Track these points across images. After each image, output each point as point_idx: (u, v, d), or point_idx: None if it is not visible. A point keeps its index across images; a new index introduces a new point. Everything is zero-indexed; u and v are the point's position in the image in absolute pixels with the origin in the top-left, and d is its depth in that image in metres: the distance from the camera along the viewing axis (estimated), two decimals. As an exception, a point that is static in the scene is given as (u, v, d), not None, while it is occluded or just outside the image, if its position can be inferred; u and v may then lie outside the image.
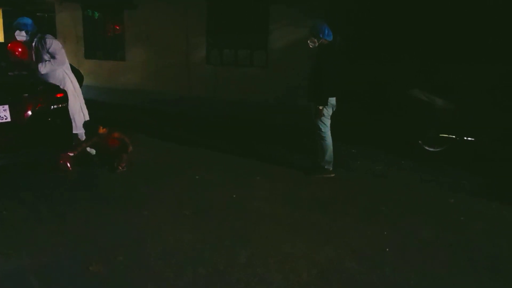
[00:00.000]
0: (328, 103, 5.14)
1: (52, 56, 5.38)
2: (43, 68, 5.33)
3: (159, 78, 10.47)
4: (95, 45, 11.79)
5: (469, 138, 6.06)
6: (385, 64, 7.77)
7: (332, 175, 5.30)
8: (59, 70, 5.48)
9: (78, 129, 5.65)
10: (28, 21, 5.43)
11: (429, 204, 4.52)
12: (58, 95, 4.90)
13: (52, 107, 4.75)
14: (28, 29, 5.42)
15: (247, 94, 8.96)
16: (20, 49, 5.26)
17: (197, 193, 4.70)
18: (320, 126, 5.24)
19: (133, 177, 5.16)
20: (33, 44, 5.43)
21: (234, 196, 4.63)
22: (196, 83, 9.85)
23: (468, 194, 4.81)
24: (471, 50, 7.02)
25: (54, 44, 5.41)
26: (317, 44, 5.16)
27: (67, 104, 4.98)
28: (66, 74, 5.56)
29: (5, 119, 4.35)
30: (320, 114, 5.17)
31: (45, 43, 5.37)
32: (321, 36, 5.10)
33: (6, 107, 4.35)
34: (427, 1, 7.44)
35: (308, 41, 5.21)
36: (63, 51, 5.49)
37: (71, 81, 5.60)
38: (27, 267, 3.13)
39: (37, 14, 14.02)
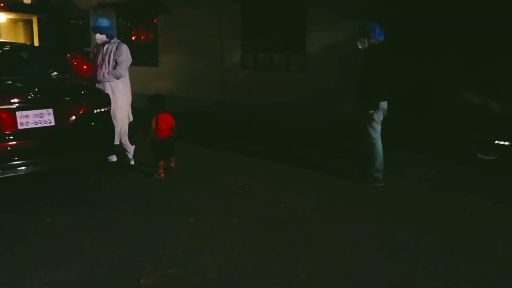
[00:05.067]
0: (379, 108, 4.85)
1: (115, 66, 5.21)
2: (101, 77, 5.18)
3: (192, 83, 10.33)
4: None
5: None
6: (429, 63, 7.41)
7: (382, 184, 5.00)
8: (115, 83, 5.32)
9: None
10: (108, 24, 5.30)
11: (503, 216, 4.17)
12: (101, 99, 4.77)
13: (95, 111, 4.62)
14: (109, 32, 5.31)
15: (283, 98, 8.70)
16: (78, 61, 5.17)
17: (242, 201, 4.48)
18: (371, 132, 4.94)
19: (174, 184, 4.99)
20: (105, 47, 5.27)
21: (282, 205, 4.39)
22: (230, 88, 9.67)
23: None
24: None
25: (127, 56, 5.27)
26: (367, 44, 4.88)
27: (110, 109, 4.84)
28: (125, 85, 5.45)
29: (49, 123, 4.23)
30: (371, 119, 4.89)
31: (120, 50, 5.22)
32: (372, 36, 4.82)
33: (51, 110, 4.24)
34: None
35: (357, 42, 4.94)
36: (128, 65, 5.35)
37: (125, 94, 5.45)
38: (76, 279, 2.96)
39: (71, 21, 14.20)
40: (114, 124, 5.22)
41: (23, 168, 4.15)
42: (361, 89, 4.91)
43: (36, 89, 4.21)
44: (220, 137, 7.55)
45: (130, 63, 5.39)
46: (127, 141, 5.50)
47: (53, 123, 4.25)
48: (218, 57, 9.88)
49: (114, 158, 5.60)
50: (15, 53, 5.54)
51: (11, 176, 4.08)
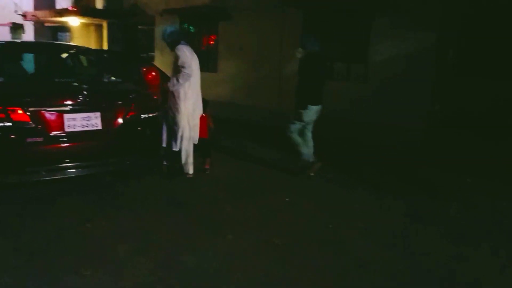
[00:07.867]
0: (309, 110, 5.27)
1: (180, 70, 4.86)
2: (171, 86, 4.88)
3: (250, 91, 10.24)
4: (189, 56, 11.96)
5: None
6: (508, 80, 6.70)
7: (319, 163, 5.50)
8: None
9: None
10: (165, 30, 5.15)
11: None
12: (150, 104, 4.71)
13: (143, 116, 4.56)
14: (164, 38, 5.12)
15: (342, 110, 8.31)
16: (153, 73, 5.04)
17: (287, 219, 4.19)
18: (290, 126, 5.42)
19: (218, 194, 4.80)
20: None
21: (331, 226, 4.04)
22: (287, 97, 9.43)
23: None
24: None
25: (182, 57, 4.84)
26: (302, 54, 5.34)
27: (158, 114, 4.77)
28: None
29: (96, 126, 4.22)
30: (294, 118, 5.35)
31: (176, 57, 4.91)
32: (305, 47, 5.32)
33: (98, 114, 4.23)
34: None
35: (296, 52, 5.45)
36: (190, 63, 4.88)
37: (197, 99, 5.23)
38: (100, 291, 2.83)
39: (139, 27, 14.72)
40: (180, 127, 4.97)
41: (69, 170, 4.17)
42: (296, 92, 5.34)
43: (85, 93, 4.21)
44: (274, 148, 7.27)
45: (191, 60, 4.96)
46: (190, 146, 5.19)
47: (100, 127, 4.24)
48: (277, 65, 9.69)
49: (165, 162, 5.52)
50: (75, 56, 5.67)
51: (56, 178, 4.10)
